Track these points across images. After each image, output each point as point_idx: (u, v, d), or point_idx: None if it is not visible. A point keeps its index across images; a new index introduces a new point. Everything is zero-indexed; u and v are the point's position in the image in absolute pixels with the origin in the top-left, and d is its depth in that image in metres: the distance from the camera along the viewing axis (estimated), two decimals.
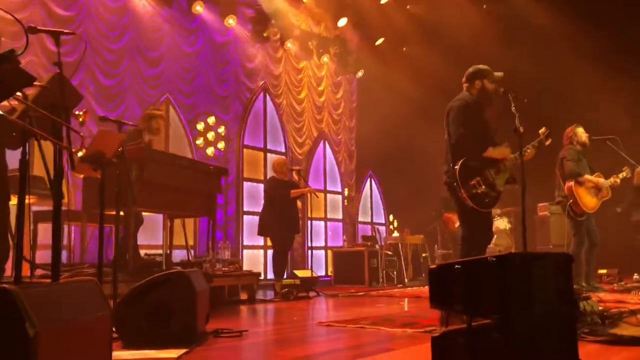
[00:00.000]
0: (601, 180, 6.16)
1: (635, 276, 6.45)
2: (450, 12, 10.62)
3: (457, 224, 9.16)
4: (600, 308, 4.08)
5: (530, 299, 1.81)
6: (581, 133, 6.38)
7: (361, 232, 10.66)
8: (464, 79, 4.38)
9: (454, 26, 10.64)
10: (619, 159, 6.47)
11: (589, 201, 6.10)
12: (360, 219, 10.90)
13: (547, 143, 4.41)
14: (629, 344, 2.74)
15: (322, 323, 3.72)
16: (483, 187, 4.09)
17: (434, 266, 1.88)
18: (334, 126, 12.56)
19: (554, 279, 2.00)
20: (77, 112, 3.78)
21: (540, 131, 4.35)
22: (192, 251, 6.99)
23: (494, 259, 1.73)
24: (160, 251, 6.83)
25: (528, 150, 4.20)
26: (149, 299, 3.04)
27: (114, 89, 8.39)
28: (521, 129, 3.69)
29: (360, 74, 12.35)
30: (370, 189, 11.33)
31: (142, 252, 6.20)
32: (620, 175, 6.38)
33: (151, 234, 7.43)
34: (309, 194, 6.79)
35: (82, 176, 5.60)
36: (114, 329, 3.05)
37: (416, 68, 11.59)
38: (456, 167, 4.06)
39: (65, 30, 2.91)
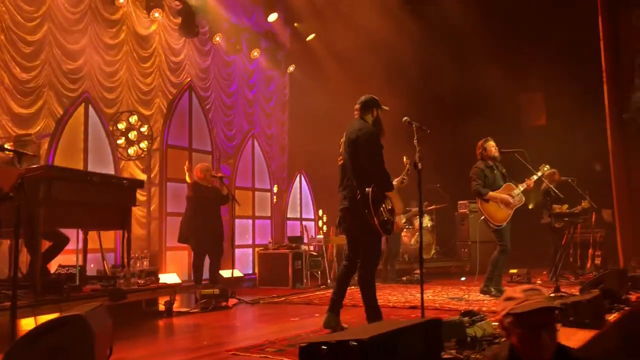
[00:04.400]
0: (505, 196, 6.39)
1: (538, 282, 6.86)
2: (379, 12, 10.76)
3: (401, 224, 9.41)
4: (494, 324, 4.36)
5: None
6: (490, 147, 6.63)
7: (290, 228, 10.75)
8: (358, 106, 4.52)
9: (384, 27, 10.81)
10: (536, 163, 6.79)
11: (499, 215, 6.38)
12: (289, 215, 10.98)
13: (420, 167, 4.52)
14: None
15: (229, 351, 3.79)
16: (387, 214, 4.26)
17: (304, 344, 1.97)
18: (266, 119, 12.55)
19: (420, 347, 2.14)
20: None
21: (404, 161, 4.55)
22: (108, 260, 6.84)
23: (355, 343, 1.84)
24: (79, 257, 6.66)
25: (405, 179, 4.43)
26: (45, 342, 2.99)
27: (31, 83, 8.07)
28: (420, 165, 3.82)
29: (291, 68, 12.34)
30: (300, 185, 11.41)
31: (57, 262, 6.04)
32: (534, 177, 6.64)
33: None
34: (232, 202, 6.79)
35: None
36: None
37: (347, 64, 11.71)
38: (367, 194, 4.16)
39: None
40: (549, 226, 8.11)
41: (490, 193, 6.40)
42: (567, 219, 8.06)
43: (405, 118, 4.34)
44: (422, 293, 3.83)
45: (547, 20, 10.76)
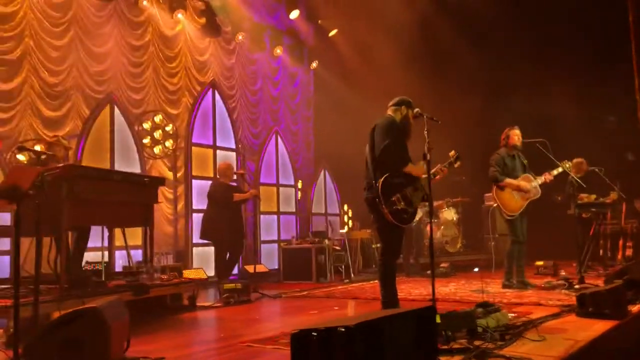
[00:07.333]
0: (522, 183, 6.33)
1: (562, 273, 6.73)
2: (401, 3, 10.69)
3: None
4: (510, 316, 4.32)
5: None
6: (513, 135, 6.56)
7: (315, 223, 10.80)
8: (391, 103, 4.59)
9: (408, 18, 10.74)
10: (560, 156, 6.64)
11: (512, 204, 6.34)
12: (314, 210, 11.04)
13: (457, 165, 4.59)
14: None
15: (243, 342, 3.86)
16: (402, 203, 4.25)
17: (296, 331, 2.01)
18: (291, 116, 12.61)
19: (411, 336, 2.15)
20: None
21: (450, 154, 4.52)
22: (135, 257, 7.01)
23: (343, 329, 1.87)
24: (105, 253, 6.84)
25: (444, 169, 4.39)
26: (61, 334, 3.12)
27: (59, 87, 8.28)
28: (428, 157, 3.82)
29: (314, 64, 12.38)
30: (325, 180, 11.45)
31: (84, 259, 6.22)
32: (554, 172, 6.53)
33: (95, 236, 7.44)
34: (254, 199, 6.88)
35: None
36: None
37: (370, 58, 11.68)
38: (378, 183, 4.21)
39: None
40: (575, 217, 7.93)
41: (507, 180, 6.35)
42: (594, 209, 7.88)
43: (417, 110, 4.35)
44: (433, 281, 3.83)
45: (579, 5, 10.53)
